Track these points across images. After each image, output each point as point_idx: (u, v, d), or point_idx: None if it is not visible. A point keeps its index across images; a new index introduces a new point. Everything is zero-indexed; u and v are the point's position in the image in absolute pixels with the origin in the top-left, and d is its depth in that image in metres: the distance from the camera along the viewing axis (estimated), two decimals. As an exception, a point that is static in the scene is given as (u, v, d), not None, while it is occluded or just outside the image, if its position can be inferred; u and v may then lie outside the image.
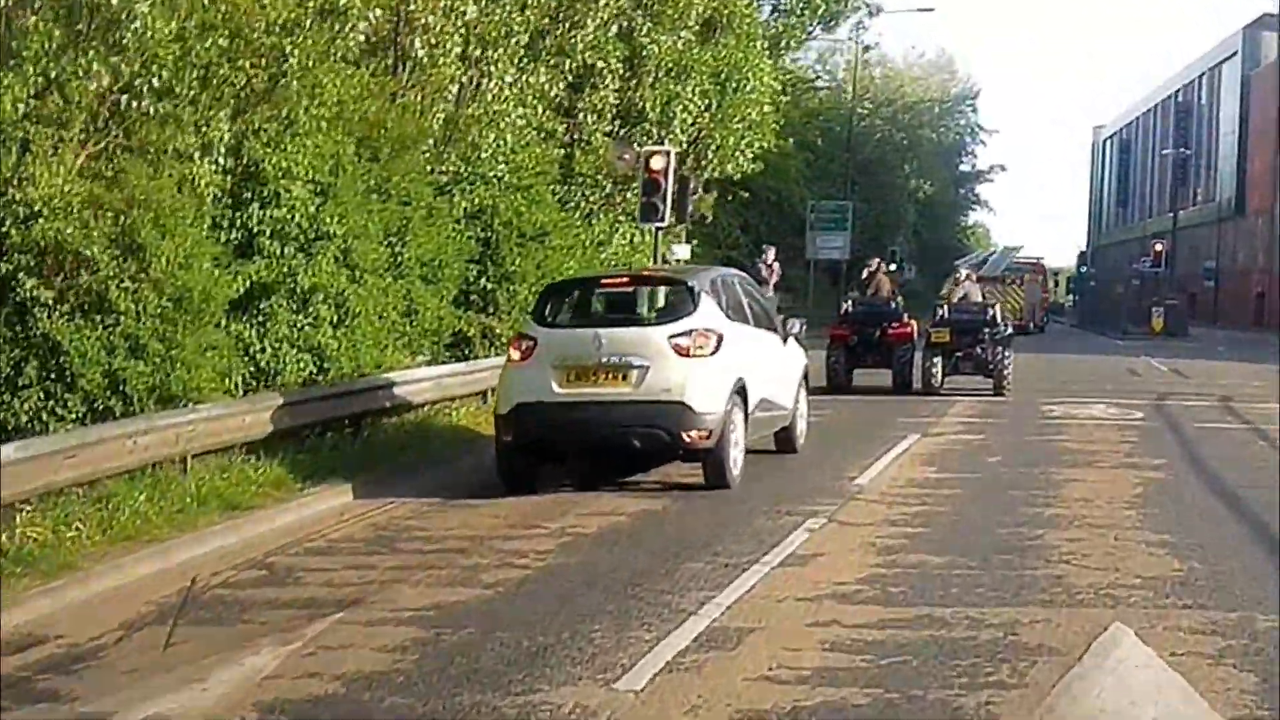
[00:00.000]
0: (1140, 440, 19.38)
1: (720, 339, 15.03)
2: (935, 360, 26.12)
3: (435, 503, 14.61)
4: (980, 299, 28.30)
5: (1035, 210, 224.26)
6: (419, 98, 22.66)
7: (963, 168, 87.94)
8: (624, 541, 12.21)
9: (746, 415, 15.51)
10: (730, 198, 52.65)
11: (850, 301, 29.08)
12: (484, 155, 23.32)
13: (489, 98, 23.97)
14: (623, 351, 14.85)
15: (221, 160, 16.69)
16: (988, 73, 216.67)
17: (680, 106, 28.96)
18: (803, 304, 45.38)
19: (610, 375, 14.88)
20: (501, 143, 23.62)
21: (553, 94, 26.59)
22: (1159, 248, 62.31)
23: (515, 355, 15.40)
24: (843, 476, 15.65)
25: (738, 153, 31.45)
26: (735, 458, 15.17)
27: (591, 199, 28.84)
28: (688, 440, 14.72)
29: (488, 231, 23.66)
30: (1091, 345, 49.29)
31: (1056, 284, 71.57)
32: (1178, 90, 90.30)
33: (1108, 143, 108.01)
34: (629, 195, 28.53)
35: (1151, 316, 53.82)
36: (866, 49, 56.22)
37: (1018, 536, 11.98)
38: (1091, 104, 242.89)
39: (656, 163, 26.02)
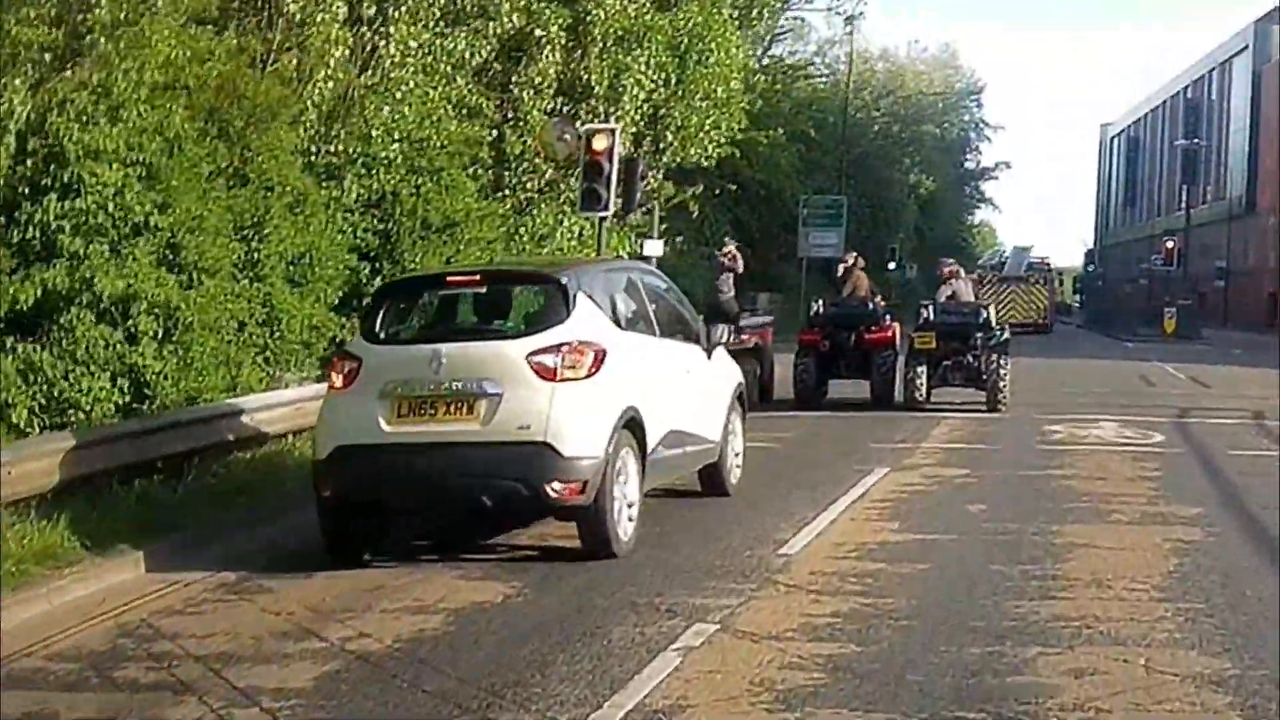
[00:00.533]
0: (1164, 476, 14.98)
1: (601, 355, 10.71)
2: (919, 370, 21.72)
3: (235, 580, 10.42)
4: (972, 297, 23.61)
5: (1041, 208, 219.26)
6: (295, 63, 18.40)
7: (967, 164, 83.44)
8: (410, 672, 7.82)
9: (643, 457, 11.19)
10: (717, 192, 48.39)
11: (820, 301, 24.62)
12: (376, 133, 19.01)
13: (387, 65, 19.69)
14: (469, 374, 10.56)
15: (11, 140, 12.85)
16: (993, 68, 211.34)
17: (632, 80, 24.54)
18: (794, 304, 40.80)
19: (453, 407, 10.56)
20: (399, 118, 19.31)
21: (476, 63, 22.32)
22: (1170, 245, 57.71)
23: (337, 381, 11.09)
24: (770, 539, 11.27)
25: (702, 135, 27.03)
26: (623, 515, 10.86)
27: (529, 186, 24.49)
28: (553, 495, 10.41)
29: (388, 222, 19.42)
30: (1100, 348, 44.77)
31: (1061, 283, 70.54)
32: (1186, 86, 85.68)
33: (1115, 140, 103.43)
34: (575, 182, 24.19)
35: (1163, 317, 49.26)
36: (849, 19, 51.65)
37: (994, 667, 7.56)
38: (1098, 101, 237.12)
39: (599, 143, 21.77)
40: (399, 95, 19.29)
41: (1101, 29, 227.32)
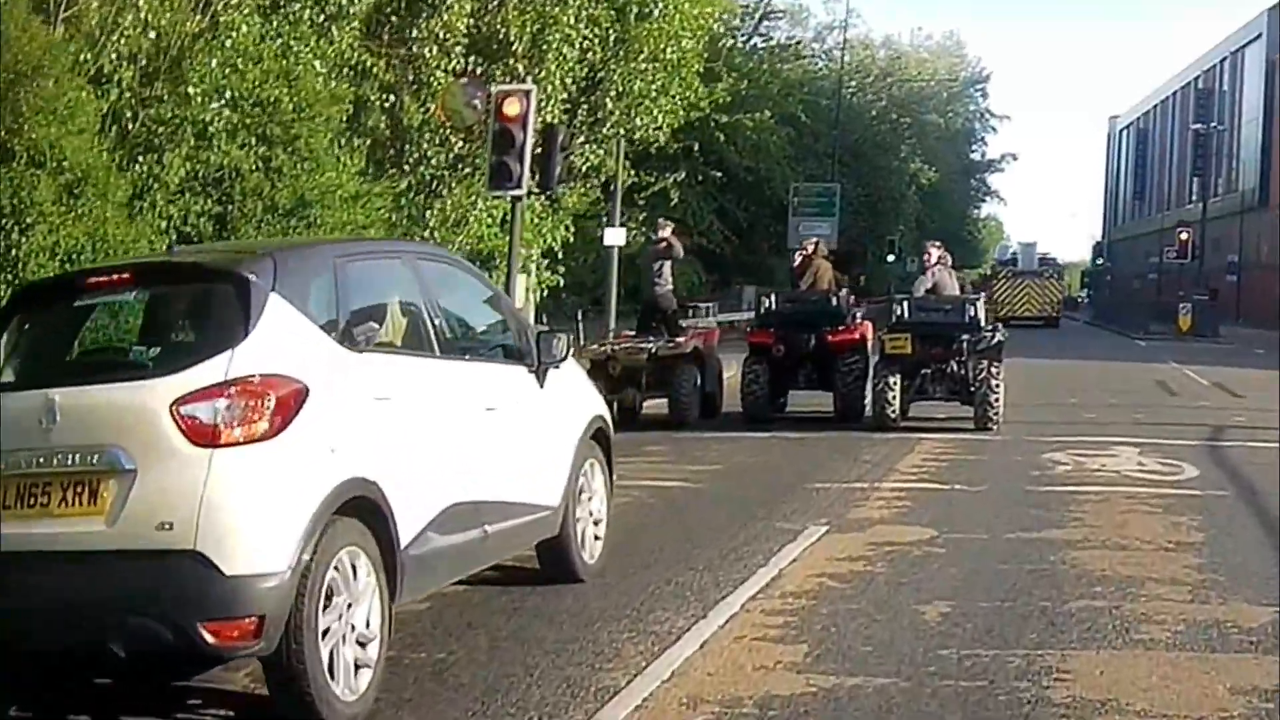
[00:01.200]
0: (1210, 541, 10.31)
1: (296, 398, 6.09)
2: (892, 380, 17.00)
3: None
4: (957, 290, 18.50)
5: (1047, 201, 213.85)
6: (96, 4, 13.97)
7: (972, 156, 78.54)
8: None
9: (392, 555, 6.63)
10: (699, 178, 43.77)
11: (773, 296, 19.68)
12: (195, 91, 14.46)
13: (219, 6, 15.17)
14: (88, 438, 5.99)
15: None
16: (999, 59, 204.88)
17: (559, 35, 19.92)
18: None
19: (70, 492, 5.97)
20: (231, 73, 14.77)
21: (360, 10, 17.74)
22: (1184, 237, 52.73)
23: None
24: (588, 690, 6.69)
25: (650, 103, 22.37)
26: (342, 661, 6.25)
27: (435, 162, 19.89)
28: (209, 641, 5.86)
29: (226, 204, 15.01)
30: (1110, 346, 39.93)
31: (1064, 278, 67.45)
32: (1198, 76, 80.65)
33: (1124, 132, 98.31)
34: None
35: (1178, 314, 44.33)
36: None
37: None
38: (1106, 93, 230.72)
39: (511, 107, 17.50)
40: (229, 44, 14.72)
41: (1109, 20, 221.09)
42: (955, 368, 17.12)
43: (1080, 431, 17.05)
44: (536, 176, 18.29)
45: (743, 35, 45.78)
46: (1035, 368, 28.96)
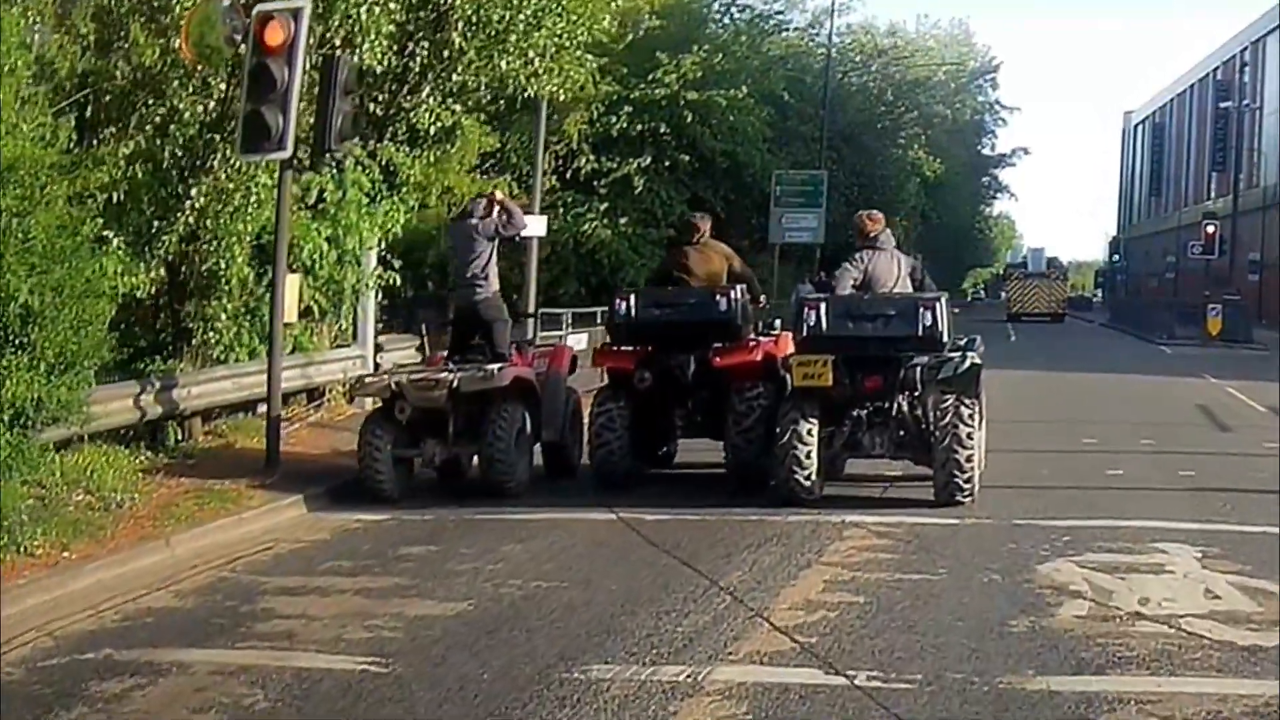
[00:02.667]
0: None
1: None
2: (804, 429, 10.21)
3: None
4: (906, 282, 11.13)
5: (1060, 198, 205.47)
6: None
7: (982, 150, 71.25)
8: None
9: None
10: (670, 164, 36.89)
11: (632, 296, 12.19)
12: None
13: None
14: None
15: None
16: (1009, 48, 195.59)
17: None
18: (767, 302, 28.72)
19: None
20: None
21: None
22: (1211, 230, 45.48)
23: None
24: None
25: (529, 46, 15.51)
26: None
27: (188, 119, 13.11)
28: None
29: None
30: (1131, 354, 32.77)
31: (1067, 277, 69.50)
32: (1216, 68, 73.34)
33: (1139, 127, 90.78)
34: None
35: (1206, 316, 37.18)
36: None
37: None
38: (1120, 86, 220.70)
39: (273, 34, 11.75)
40: None
41: (1122, 10, 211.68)
42: (903, 407, 10.34)
43: (1101, 507, 10.31)
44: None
45: (719, 6, 38.92)
46: (1042, 383, 22.13)
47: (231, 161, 13.24)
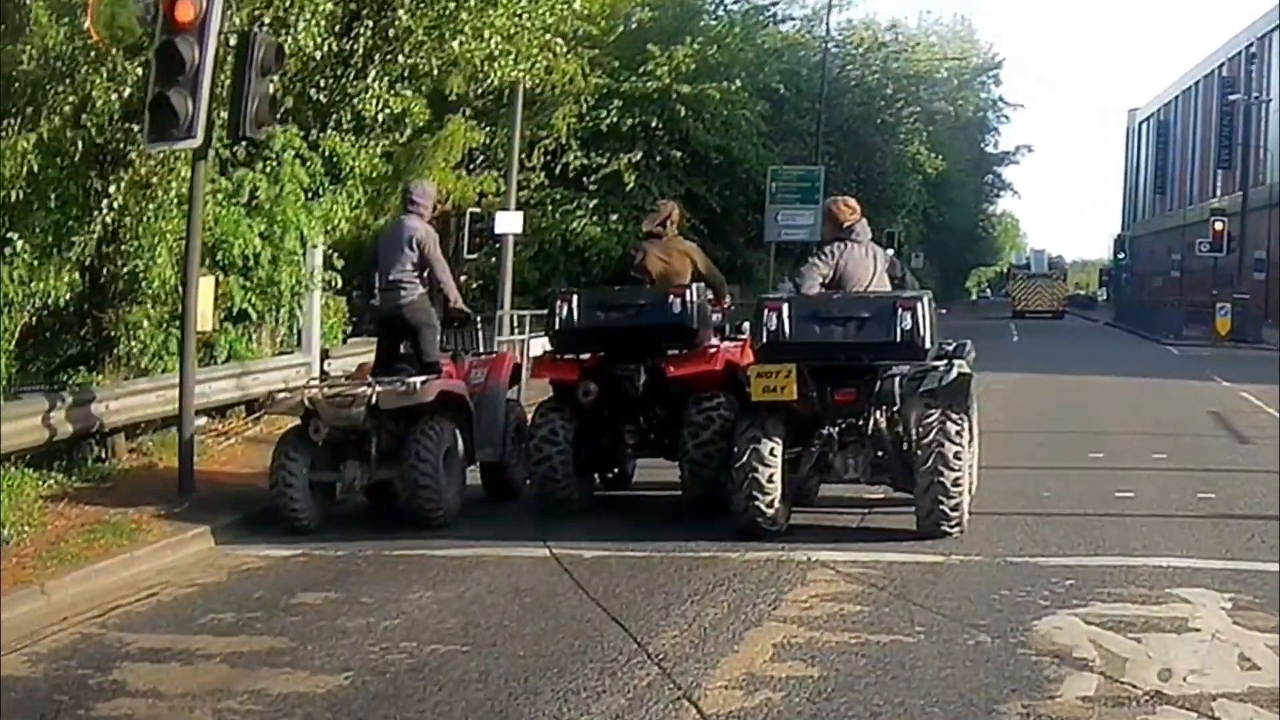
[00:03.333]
0: None
1: None
2: (765, 448, 8.67)
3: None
4: (884, 279, 9.47)
5: (1064, 196, 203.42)
6: None
7: (985, 148, 69.59)
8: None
9: None
10: (662, 159, 35.41)
11: (574, 298, 10.34)
12: None
13: None
14: None
15: None
16: (1012, 45, 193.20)
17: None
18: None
19: None
20: None
21: None
22: (1219, 227, 43.86)
23: None
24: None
25: (472, 30, 13.99)
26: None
27: (100, 108, 11.59)
28: None
29: None
30: (1138, 355, 31.21)
31: (1066, 277, 73.83)
32: (1221, 64, 71.65)
33: (1143, 125, 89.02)
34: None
35: (1215, 315, 35.59)
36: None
37: None
38: (1124, 84, 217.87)
39: (184, 9, 10.29)
40: None
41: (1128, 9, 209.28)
42: (880, 424, 8.88)
43: (1110, 540, 8.83)
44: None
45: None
46: (1044, 387, 20.62)
47: (155, 154, 11.81)
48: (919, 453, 8.58)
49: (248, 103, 10.68)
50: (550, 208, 34.71)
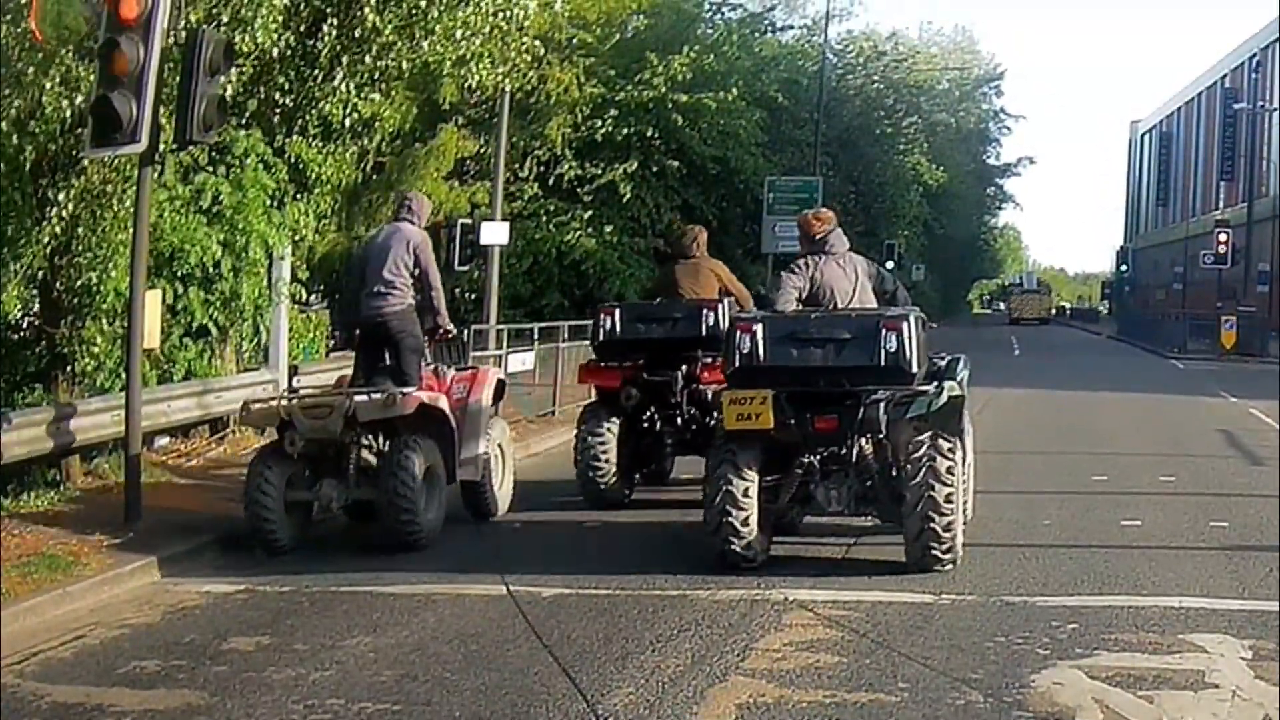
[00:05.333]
0: None
1: None
2: (739, 488, 7.98)
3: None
4: (867, 294, 8.92)
5: (1067, 208, 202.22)
6: None
7: (988, 160, 68.84)
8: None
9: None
10: (657, 170, 34.76)
11: (616, 311, 11.18)
12: None
13: None
14: None
15: None
16: (1014, 56, 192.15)
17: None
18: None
19: None
20: None
21: None
22: (1224, 239, 43.07)
23: None
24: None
25: (443, 30, 13.25)
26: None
27: (51, 115, 10.83)
28: None
29: None
30: (1142, 370, 30.47)
31: (1050, 291, 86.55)
32: (1224, 75, 70.86)
33: (1146, 137, 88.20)
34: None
35: (1220, 329, 34.83)
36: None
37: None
38: (1127, 95, 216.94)
39: (128, 5, 9.65)
40: None
41: (1129, 21, 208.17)
42: (865, 451, 8.17)
43: (1116, 577, 8.09)
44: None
45: (710, 5, 36.65)
46: (1046, 403, 19.90)
47: (109, 161, 11.13)
48: (908, 468, 7.89)
49: (195, 105, 9.99)
50: (544, 219, 33.99)
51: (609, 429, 10.66)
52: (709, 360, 10.49)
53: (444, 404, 9.81)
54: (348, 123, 13.45)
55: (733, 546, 7.95)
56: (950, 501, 7.87)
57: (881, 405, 7.84)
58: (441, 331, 10.30)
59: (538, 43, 15.38)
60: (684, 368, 10.76)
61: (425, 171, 34.47)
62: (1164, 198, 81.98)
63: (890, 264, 44.22)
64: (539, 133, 34.44)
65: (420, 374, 9.88)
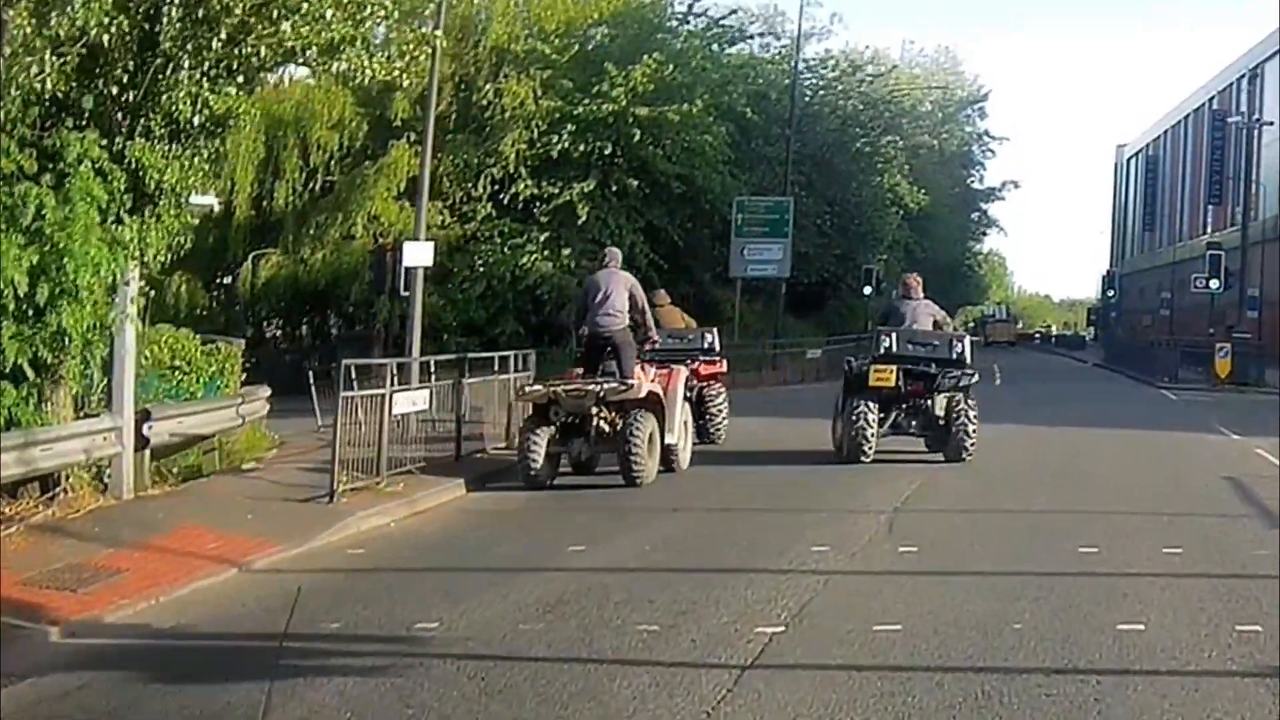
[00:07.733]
0: None
1: None
2: (863, 413, 14.49)
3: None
4: (935, 321, 15.73)
5: (1051, 233, 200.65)
6: None
7: (971, 183, 66.73)
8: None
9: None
10: (616, 189, 32.67)
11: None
12: None
13: None
14: None
15: None
16: (998, 78, 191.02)
17: None
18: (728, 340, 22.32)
19: None
20: None
21: None
22: (1218, 260, 40.87)
23: None
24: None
25: (309, 13, 11.09)
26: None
27: None
28: None
29: None
30: (1134, 402, 28.19)
31: (1018, 321, 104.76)
32: (1212, 98, 68.90)
33: (1132, 161, 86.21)
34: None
35: (1215, 357, 32.64)
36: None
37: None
38: (1111, 119, 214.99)
39: None
40: None
41: (1116, 39, 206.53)
42: (933, 404, 14.79)
43: (1108, 640, 5.82)
44: None
45: (673, 14, 34.52)
46: (1029, 443, 17.74)
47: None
48: (953, 416, 14.68)
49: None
50: (499, 241, 31.82)
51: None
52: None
53: (660, 390, 13.93)
54: (197, 120, 11.21)
55: (861, 446, 14.34)
56: (974, 425, 14.65)
57: (947, 379, 14.58)
58: (651, 342, 14.58)
59: (438, 32, 13.21)
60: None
61: (375, 191, 32.19)
62: (1150, 222, 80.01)
63: (868, 289, 41.77)
64: (493, 149, 32.25)
65: (634, 371, 13.78)
